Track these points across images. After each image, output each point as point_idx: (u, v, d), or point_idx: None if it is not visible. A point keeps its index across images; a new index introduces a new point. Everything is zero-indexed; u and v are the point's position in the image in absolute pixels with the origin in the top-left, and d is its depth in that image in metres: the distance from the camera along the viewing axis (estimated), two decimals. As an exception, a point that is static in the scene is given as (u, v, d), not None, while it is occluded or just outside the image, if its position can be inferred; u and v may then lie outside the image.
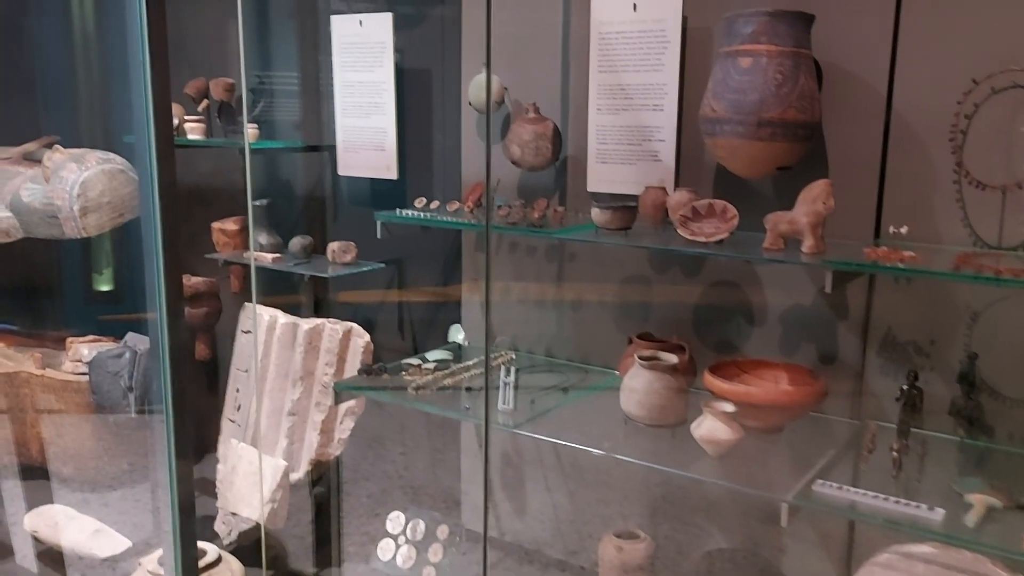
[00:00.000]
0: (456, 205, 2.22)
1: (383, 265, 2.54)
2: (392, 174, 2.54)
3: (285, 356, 2.43)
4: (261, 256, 2.57)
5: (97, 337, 2.98)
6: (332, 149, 2.71)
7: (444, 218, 2.17)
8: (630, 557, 2.05)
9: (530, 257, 2.37)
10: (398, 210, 2.23)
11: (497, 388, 2.16)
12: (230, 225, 2.80)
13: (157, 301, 1.86)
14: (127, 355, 2.43)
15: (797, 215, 1.72)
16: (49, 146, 3.17)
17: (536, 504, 2.46)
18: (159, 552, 2.19)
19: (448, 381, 2.13)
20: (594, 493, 2.34)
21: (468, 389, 2.09)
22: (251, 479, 2.28)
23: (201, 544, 2.25)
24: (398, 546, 2.27)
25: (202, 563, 2.14)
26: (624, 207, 1.93)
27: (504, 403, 1.93)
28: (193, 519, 1.96)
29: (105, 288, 3.89)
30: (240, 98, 2.69)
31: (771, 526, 2.04)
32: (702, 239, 1.81)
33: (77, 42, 3.48)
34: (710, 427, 1.71)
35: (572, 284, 2.31)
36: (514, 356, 2.33)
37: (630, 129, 2.11)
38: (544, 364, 2.32)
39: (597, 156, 2.16)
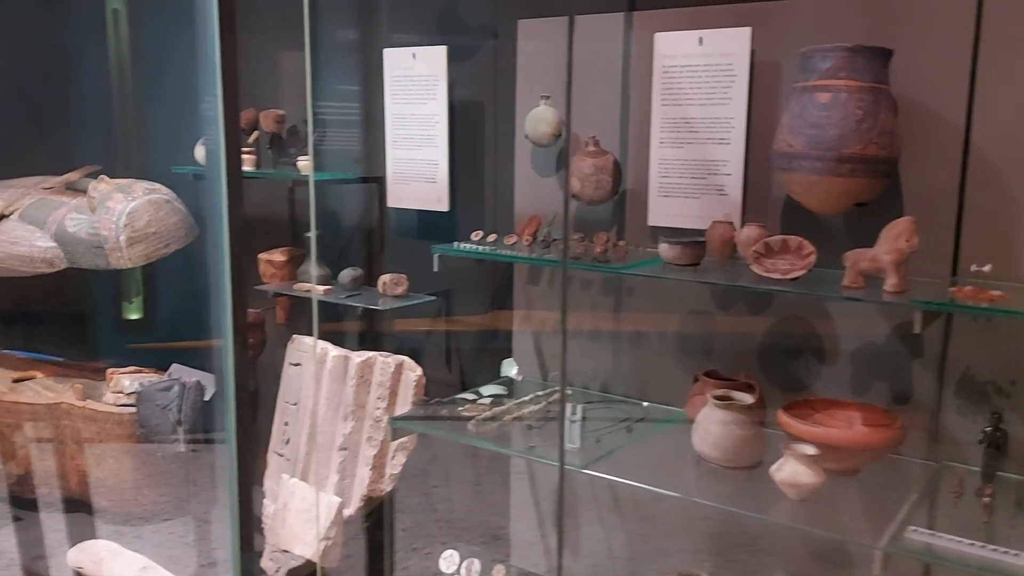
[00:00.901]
0: (514, 239, 2.20)
1: (433, 298, 2.52)
2: (443, 206, 2.52)
3: (336, 389, 2.40)
4: (315, 288, 2.55)
5: (139, 368, 2.96)
6: (380, 181, 2.70)
7: (503, 252, 2.14)
8: (696, 601, 2.00)
9: (586, 291, 2.34)
10: (456, 243, 2.20)
11: (537, 426, 2.12)
12: (277, 256, 2.79)
13: (224, 333, 1.83)
14: (175, 388, 2.40)
15: (879, 252, 1.68)
16: (91, 175, 3.17)
17: (588, 542, 2.40)
18: (210, 592, 2.15)
19: (508, 417, 2.09)
20: (651, 532, 2.28)
21: (530, 427, 2.04)
22: (304, 516, 2.23)
23: (252, 583, 2.21)
24: (453, 586, 2.22)
25: (254, 604, 2.09)
26: (693, 242, 1.90)
27: (570, 442, 1.89)
28: (252, 554, 1.92)
29: (134, 317, 3.88)
30: (292, 129, 2.69)
31: (840, 570, 1.98)
32: (777, 276, 1.78)
33: (115, 71, 3.49)
34: (792, 470, 1.66)
35: (630, 319, 2.27)
36: (569, 392, 2.30)
37: (694, 163, 2.08)
38: (600, 400, 2.28)
39: (659, 190, 2.14)
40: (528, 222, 2.29)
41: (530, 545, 2.49)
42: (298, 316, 2.85)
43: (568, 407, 1.90)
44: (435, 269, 2.19)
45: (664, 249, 1.89)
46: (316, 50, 2.79)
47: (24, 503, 2.98)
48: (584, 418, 1.90)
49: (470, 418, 2.11)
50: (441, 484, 2.60)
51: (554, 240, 2.16)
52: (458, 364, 2.60)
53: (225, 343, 1.83)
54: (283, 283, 2.77)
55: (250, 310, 2.86)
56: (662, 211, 2.14)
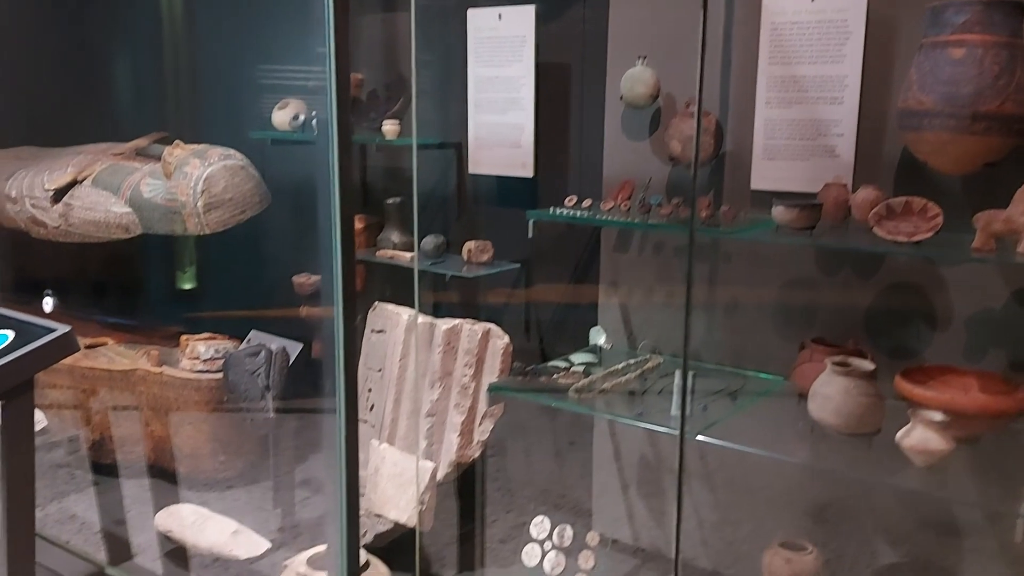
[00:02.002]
0: (610, 204, 2.15)
1: (518, 265, 2.48)
2: (528, 172, 2.48)
3: (423, 356, 2.38)
4: (398, 255, 2.52)
5: (213, 335, 2.95)
6: (460, 146, 2.66)
7: (603, 217, 2.10)
8: (800, 569, 1.97)
9: (679, 258, 2.30)
10: (552, 209, 2.16)
11: (640, 392, 2.09)
12: (356, 223, 2.75)
13: (335, 298, 1.81)
14: (263, 353, 2.38)
15: (1014, 214, 1.63)
16: (160, 141, 3.15)
17: (673, 510, 2.38)
18: (306, 554, 2.14)
19: (607, 385, 2.06)
20: (748, 500, 2.25)
21: (632, 393, 2.01)
22: (396, 481, 2.22)
23: (345, 548, 2.20)
24: (544, 552, 2.20)
25: (350, 568, 2.08)
26: (810, 205, 1.84)
27: (679, 408, 1.86)
28: (357, 521, 1.91)
29: (188, 286, 3.88)
30: (372, 94, 2.65)
31: (951, 538, 1.94)
32: (901, 239, 1.72)
33: (167, 37, 3.46)
34: (921, 436, 1.62)
35: (726, 285, 2.23)
36: (661, 360, 2.26)
37: (804, 123, 2.02)
38: (694, 369, 2.24)
39: (764, 152, 2.08)
40: (621, 187, 2.24)
41: (615, 513, 2.47)
42: (374, 283, 2.83)
43: (677, 375, 1.86)
44: (530, 235, 2.15)
45: (780, 212, 1.84)
46: (398, 11, 2.74)
47: (100, 468, 3.00)
48: (693, 391, 1.86)
49: (568, 386, 2.08)
50: (528, 451, 2.58)
51: (653, 205, 2.11)
52: (542, 332, 2.57)
53: (336, 310, 1.80)
54: (360, 250, 2.74)
55: (317, 276, 2.83)
56: (767, 174, 2.08)
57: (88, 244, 3.02)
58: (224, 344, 2.90)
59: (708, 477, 2.28)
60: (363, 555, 2.12)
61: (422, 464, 2.21)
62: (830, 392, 1.74)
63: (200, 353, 2.86)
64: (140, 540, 2.60)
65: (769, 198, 2.04)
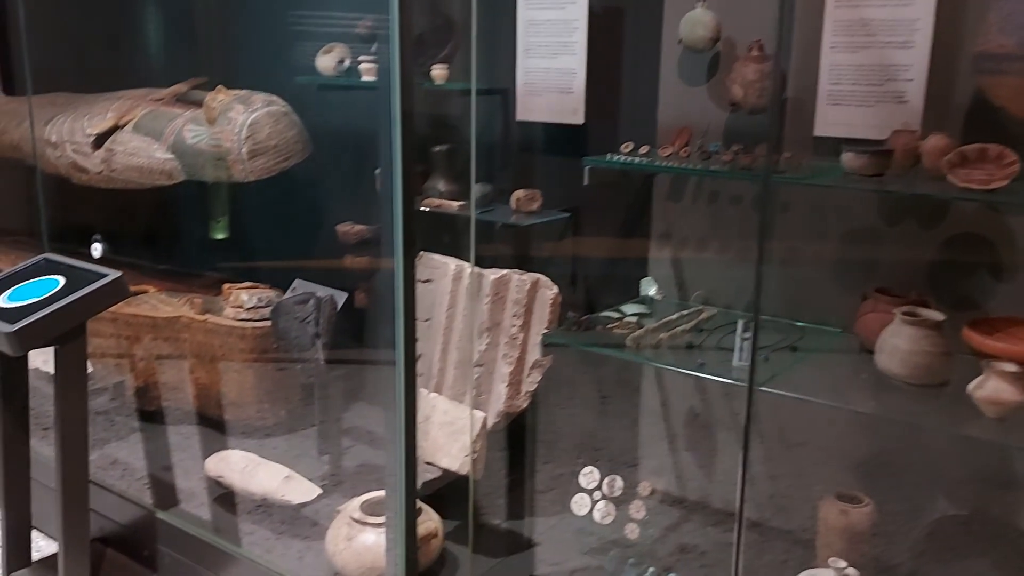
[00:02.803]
0: (669, 150, 2.11)
1: (567, 214, 2.45)
2: (578, 119, 2.43)
3: (471, 306, 2.36)
4: (446, 204, 2.49)
5: (254, 284, 2.95)
6: (506, 92, 2.61)
7: (664, 164, 2.06)
8: (856, 521, 1.96)
9: (734, 206, 2.26)
10: (608, 155, 2.12)
11: (697, 344, 2.07)
12: (397, 171, 2.72)
13: (394, 247, 1.79)
14: (311, 301, 2.37)
15: (1100, 160, 1.57)
16: (199, 87, 3.11)
17: (725, 463, 2.38)
18: (358, 500, 2.16)
19: (663, 335, 2.04)
20: (798, 453, 2.24)
21: (690, 345, 1.99)
22: (447, 429, 2.22)
23: (396, 494, 2.22)
24: (594, 501, 2.21)
25: (402, 513, 2.10)
26: (880, 151, 1.79)
27: (741, 359, 1.84)
28: (415, 469, 1.91)
29: (220, 236, 3.86)
30: (419, 37, 2.58)
31: (1016, 492, 1.93)
32: (975, 187, 1.67)
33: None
34: (995, 387, 1.59)
35: (783, 235, 2.19)
36: (714, 311, 2.24)
37: (871, 68, 1.96)
38: (748, 321, 2.21)
39: (829, 98, 2.02)
40: (678, 133, 2.20)
41: (661, 463, 2.47)
42: (417, 233, 2.80)
43: (739, 326, 1.84)
44: (585, 182, 2.11)
45: (849, 158, 1.79)
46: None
47: (144, 415, 3.03)
48: (755, 343, 1.83)
49: (623, 336, 2.06)
50: (575, 402, 2.57)
51: (713, 152, 2.07)
52: (591, 282, 2.54)
53: (396, 259, 1.79)
54: (403, 199, 2.71)
55: (368, 226, 2.82)
56: (831, 120, 2.03)
57: (123, 191, 3.02)
58: (267, 293, 2.90)
59: (760, 428, 2.27)
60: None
61: (476, 413, 2.21)
62: (899, 342, 1.71)
63: (243, 301, 2.86)
64: (186, 485, 2.63)
65: (832, 145, 2.00)
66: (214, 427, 2.95)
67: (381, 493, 2.21)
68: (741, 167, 1.93)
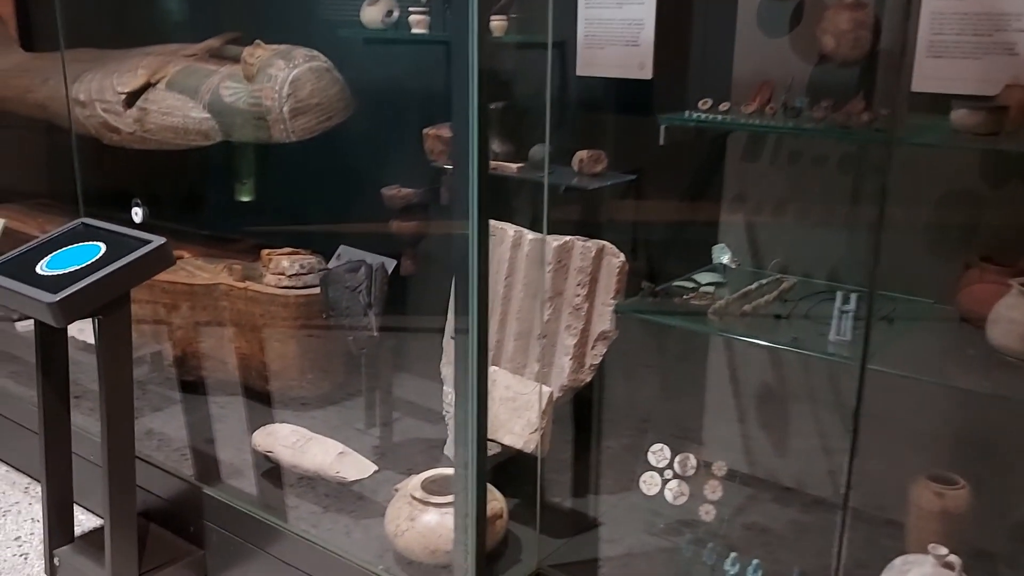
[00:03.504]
0: (753, 106, 1.95)
1: (634, 176, 2.30)
2: (646, 73, 2.27)
3: (533, 275, 2.24)
4: (503, 166, 2.35)
5: (295, 249, 2.82)
6: (564, 45, 2.44)
7: (745, 121, 1.91)
8: (952, 504, 1.84)
9: (818, 168, 2.11)
10: (687, 113, 1.97)
11: (784, 316, 1.94)
12: (446, 132, 2.58)
13: (469, 211, 1.66)
14: (363, 269, 2.25)
15: None
16: (233, 42, 2.96)
17: (801, 441, 2.26)
18: (419, 477, 2.05)
19: (747, 307, 1.91)
20: (886, 431, 2.11)
21: (778, 317, 1.86)
22: (509, 405, 2.11)
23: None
24: (665, 480, 2.10)
25: (465, 493, 1.99)
26: (996, 108, 1.64)
27: (839, 333, 1.71)
28: (486, 446, 1.81)
29: (246, 198, 3.73)
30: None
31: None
32: (1110, 146, 1.53)
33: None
34: None
35: (872, 199, 2.04)
36: (794, 280, 2.10)
37: (978, 17, 1.79)
38: (833, 292, 2.07)
39: (929, 49, 1.86)
40: (759, 88, 2.04)
41: (729, 440, 2.36)
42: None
43: (839, 297, 1.71)
44: (661, 142, 1.97)
45: (962, 116, 1.64)
46: None
47: (182, 386, 2.93)
48: (870, 311, 1.69)
49: (701, 308, 1.94)
50: (640, 375, 2.46)
51: (800, 109, 1.91)
52: (658, 249, 2.40)
53: (471, 224, 1.66)
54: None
55: (414, 190, 2.69)
56: (931, 74, 1.86)
57: (151, 152, 2.89)
58: (309, 259, 2.78)
59: (840, 404, 2.15)
60: (478, 480, 2.03)
61: (541, 388, 2.09)
62: (1017, 316, 1.58)
63: (285, 268, 2.74)
64: (230, 459, 2.54)
65: (930, 101, 1.84)
66: (255, 398, 2.85)
67: (442, 471, 2.11)
68: (841, 125, 1.78)
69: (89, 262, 2.05)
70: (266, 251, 2.83)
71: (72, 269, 2.03)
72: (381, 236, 2.84)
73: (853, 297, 1.72)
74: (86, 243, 2.15)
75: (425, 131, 2.60)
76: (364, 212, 2.88)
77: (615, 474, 2.30)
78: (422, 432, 2.64)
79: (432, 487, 2.04)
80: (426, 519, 1.96)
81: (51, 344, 2.22)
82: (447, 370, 2.45)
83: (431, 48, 2.59)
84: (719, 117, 1.93)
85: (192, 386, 2.92)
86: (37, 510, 2.75)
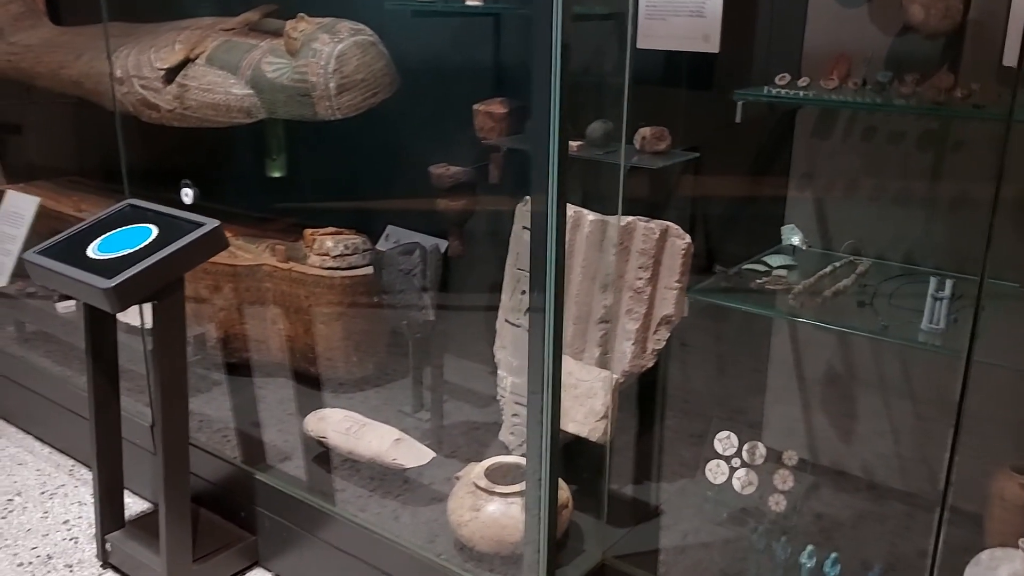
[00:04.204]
0: (834, 81, 1.86)
1: (697, 154, 2.22)
2: (712, 46, 2.16)
3: (593, 258, 2.17)
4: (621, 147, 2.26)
5: (339, 229, 2.76)
6: (621, 17, 2.34)
7: (828, 97, 1.81)
8: (1038, 497, 1.78)
9: (895, 145, 2.02)
10: (766, 88, 1.88)
11: (868, 301, 1.86)
12: (497, 108, 2.49)
13: (548, 187, 1.59)
14: (417, 252, 2.19)
15: None
16: (270, 15, 2.87)
17: (873, 429, 2.19)
18: (481, 466, 2.01)
19: (827, 292, 1.84)
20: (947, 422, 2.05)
21: (861, 303, 1.79)
22: (571, 392, 2.05)
23: (519, 459, 2.07)
24: (732, 469, 2.04)
25: (524, 484, 1.94)
26: (1106, 83, 1.54)
27: (932, 321, 1.63)
28: (559, 435, 1.75)
29: (277, 175, 3.65)
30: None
31: None
32: None
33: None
34: None
35: (952, 178, 1.96)
36: (868, 263, 2.02)
37: (1081, -16, 1.69)
38: (902, 274, 1.99)
39: (1025, 20, 1.76)
40: (836, 62, 1.94)
41: (793, 427, 2.30)
42: (512, 175, 2.59)
43: (933, 283, 1.63)
44: (738, 119, 1.88)
45: (1069, 91, 1.55)
46: None
47: (226, 368, 2.89)
48: (954, 295, 1.62)
49: (776, 292, 1.87)
50: (703, 360, 2.39)
51: (884, 83, 1.82)
52: (723, 230, 2.33)
53: (549, 204, 1.59)
54: (502, 137, 2.49)
55: (463, 168, 2.61)
56: None
57: (184, 129, 2.81)
58: (353, 239, 2.72)
59: (913, 391, 2.08)
60: (523, 462, 1.97)
61: (605, 374, 2.03)
62: None
63: (329, 248, 2.68)
64: (278, 443, 2.50)
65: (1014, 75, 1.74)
66: (298, 380, 2.81)
67: (504, 458, 2.06)
68: (933, 101, 1.69)
69: (142, 245, 1.99)
70: (309, 231, 2.77)
71: (125, 252, 1.98)
72: (425, 215, 2.77)
73: (949, 283, 1.64)
74: (136, 225, 2.09)
75: (475, 107, 2.51)
76: (407, 190, 2.81)
77: (677, 461, 2.24)
78: (470, 416, 2.59)
79: (494, 476, 1.99)
80: (491, 509, 1.91)
81: (100, 329, 2.17)
82: (501, 354, 2.39)
83: (479, 20, 2.50)
84: (800, 93, 1.83)
85: (235, 368, 2.88)
86: (83, 493, 2.73)
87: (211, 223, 2.01)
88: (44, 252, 2.06)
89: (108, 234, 2.09)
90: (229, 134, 2.89)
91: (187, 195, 2.32)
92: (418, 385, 2.59)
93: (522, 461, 2.06)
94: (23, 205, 3.34)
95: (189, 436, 2.12)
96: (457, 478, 2.04)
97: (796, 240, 2.10)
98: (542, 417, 1.69)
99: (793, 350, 2.25)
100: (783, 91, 1.85)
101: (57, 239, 2.11)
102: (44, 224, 3.39)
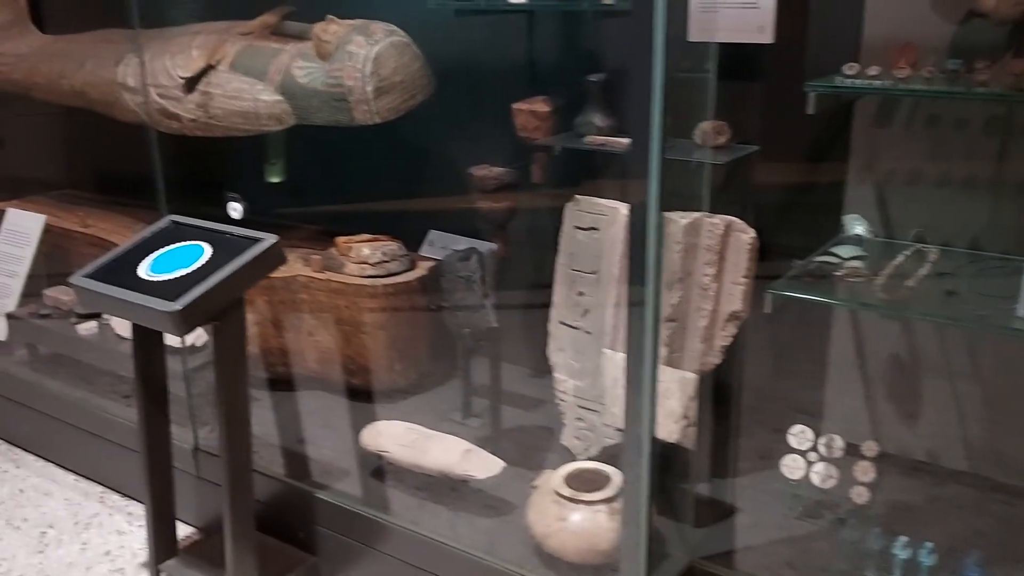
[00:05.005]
0: (905, 70, 1.85)
1: (757, 148, 2.19)
2: (765, 37, 2.13)
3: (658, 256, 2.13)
4: (613, 140, 2.23)
5: (374, 236, 2.69)
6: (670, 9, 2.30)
7: (909, 87, 1.80)
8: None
9: (960, 132, 2.01)
10: (837, 79, 1.86)
11: (953, 292, 1.86)
12: (540, 106, 2.44)
13: (648, 195, 1.55)
14: (474, 257, 2.13)
15: None
16: (287, 17, 2.78)
17: (953, 418, 2.19)
18: (558, 473, 1.97)
19: (909, 282, 1.83)
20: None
21: (950, 293, 1.78)
22: (647, 394, 2.02)
23: (596, 465, 2.04)
24: (809, 463, 2.03)
25: (610, 492, 1.91)
26: None
27: (1027, 308, 1.63)
28: (656, 442, 1.72)
29: (276, 180, 3.55)
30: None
31: None
32: None
33: None
34: None
35: (1020, 163, 1.96)
36: (937, 252, 2.02)
37: None
38: (976, 260, 1.99)
39: (1098, 3, 1.76)
40: (902, 50, 1.93)
41: (862, 418, 2.29)
42: (555, 174, 2.55)
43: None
44: (810, 111, 1.86)
45: None
46: None
47: (267, 384, 2.80)
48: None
49: (857, 285, 1.85)
50: (767, 355, 2.38)
51: (954, 71, 1.81)
52: (784, 222, 2.30)
53: (649, 202, 1.56)
54: (546, 136, 2.45)
55: (506, 168, 2.56)
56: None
57: (195, 138, 2.72)
58: (389, 245, 2.66)
59: (981, 377, 2.09)
60: (614, 472, 1.95)
61: (682, 375, 2.01)
62: None
63: (366, 256, 2.61)
64: (327, 457, 2.43)
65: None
66: (339, 392, 2.73)
67: (582, 465, 2.02)
68: (1012, 88, 1.68)
69: (198, 264, 1.91)
70: (342, 239, 2.70)
71: (181, 273, 1.89)
72: (460, 216, 2.72)
73: (1044, 271, 1.64)
74: (186, 243, 2.00)
75: (516, 106, 2.46)
76: (443, 193, 2.75)
77: (751, 458, 2.23)
78: (520, 420, 2.55)
79: (573, 483, 1.96)
80: (578, 518, 1.88)
81: (149, 353, 2.08)
82: (558, 356, 2.35)
83: (515, 18, 2.44)
84: (874, 83, 1.82)
85: (273, 383, 2.79)
86: (119, 521, 2.63)
87: (269, 238, 1.93)
88: (92, 276, 1.97)
89: (157, 254, 2.00)
90: (237, 140, 2.80)
91: (235, 209, 2.24)
92: (468, 391, 2.54)
93: (599, 467, 2.03)
94: (27, 223, 3.21)
95: (252, 458, 2.05)
96: (534, 487, 2.00)
97: (860, 229, 2.09)
98: (641, 423, 1.66)
99: (856, 340, 2.25)
100: (856, 81, 1.83)
101: (102, 261, 2.01)
102: (48, 242, 3.26)
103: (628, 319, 1.63)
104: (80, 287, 1.94)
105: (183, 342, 2.44)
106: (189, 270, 1.90)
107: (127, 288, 1.88)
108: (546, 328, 2.34)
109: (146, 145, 3.56)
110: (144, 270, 1.94)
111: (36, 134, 4.12)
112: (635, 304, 1.60)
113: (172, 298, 1.79)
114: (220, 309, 1.86)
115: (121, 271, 1.96)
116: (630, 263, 1.60)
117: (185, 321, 1.78)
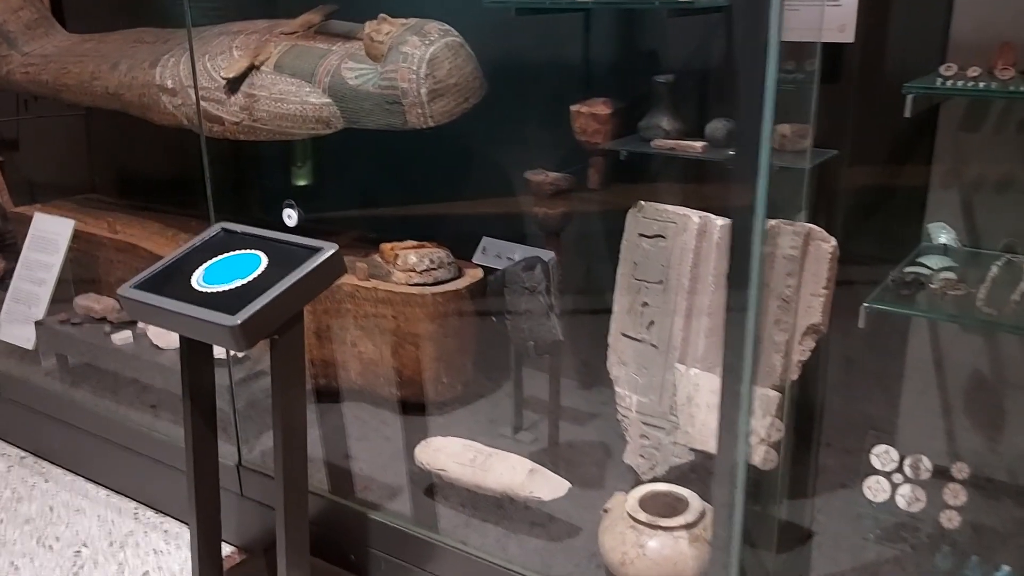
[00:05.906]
0: (1011, 71, 1.75)
1: (836, 152, 2.09)
2: (847, 36, 2.03)
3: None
4: (683, 144, 2.13)
5: (420, 243, 2.59)
6: (727, 10, 2.21)
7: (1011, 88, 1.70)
8: None
9: (1046, 136, 1.92)
10: (940, 81, 1.76)
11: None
12: (601, 108, 2.34)
13: (756, 201, 1.45)
14: (538, 267, 2.03)
15: None
16: (331, 15, 2.68)
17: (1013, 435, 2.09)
18: (632, 496, 1.86)
19: (1017, 295, 1.73)
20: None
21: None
22: (715, 411, 1.92)
23: (670, 487, 1.93)
24: (894, 485, 1.93)
25: (690, 516, 1.81)
26: None
27: None
28: (747, 466, 1.61)
29: (302, 183, 3.46)
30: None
31: None
32: None
33: None
34: None
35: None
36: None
37: None
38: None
39: None
40: (1000, 50, 1.83)
41: (942, 436, 2.18)
42: (614, 179, 2.44)
43: None
44: (907, 114, 1.76)
45: None
46: None
47: (314, 396, 2.70)
48: None
49: (955, 297, 1.75)
50: (847, 370, 2.27)
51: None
52: (863, 231, 2.20)
53: (757, 205, 1.46)
54: (607, 140, 2.34)
55: (563, 174, 2.45)
56: None
57: (233, 142, 2.62)
58: (436, 252, 2.56)
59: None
60: (695, 499, 1.84)
61: (765, 393, 1.90)
62: None
63: (413, 264, 2.51)
64: (376, 475, 2.33)
65: None
66: (384, 406, 2.63)
67: (655, 487, 1.92)
68: None
69: (255, 275, 1.80)
70: (387, 245, 2.60)
71: (237, 284, 1.79)
72: (510, 222, 2.62)
73: None
74: (240, 252, 1.90)
75: (573, 108, 2.36)
76: (495, 198, 2.65)
77: (831, 476, 2.12)
78: (575, 435, 2.44)
79: (647, 506, 1.85)
80: (655, 545, 1.77)
81: (198, 368, 1.98)
82: (619, 370, 2.24)
83: (571, 17, 2.34)
84: (979, 84, 1.72)
85: (319, 396, 2.69)
86: (155, 539, 2.53)
87: (329, 247, 1.83)
88: (140, 286, 1.87)
89: (210, 263, 1.89)
90: (263, 144, 2.69)
91: (290, 216, 2.14)
92: (519, 404, 2.44)
93: (674, 488, 1.92)
94: (56, 229, 3.10)
95: (307, 475, 1.95)
96: (605, 511, 1.89)
97: (945, 238, 1.99)
98: (737, 446, 1.55)
99: (935, 353, 2.14)
100: (962, 83, 1.73)
101: (151, 271, 1.91)
102: (74, 247, 3.16)
103: (724, 334, 1.53)
104: (128, 298, 1.84)
105: (227, 354, 2.34)
106: (246, 280, 1.79)
107: (180, 300, 1.77)
108: (600, 339, 2.24)
109: (172, 149, 3.46)
110: (197, 280, 1.84)
111: (56, 137, 4.03)
112: (735, 318, 1.50)
113: (231, 311, 1.69)
114: (281, 323, 1.76)
115: (172, 281, 1.86)
116: (729, 275, 1.50)
117: (245, 335, 1.68)
